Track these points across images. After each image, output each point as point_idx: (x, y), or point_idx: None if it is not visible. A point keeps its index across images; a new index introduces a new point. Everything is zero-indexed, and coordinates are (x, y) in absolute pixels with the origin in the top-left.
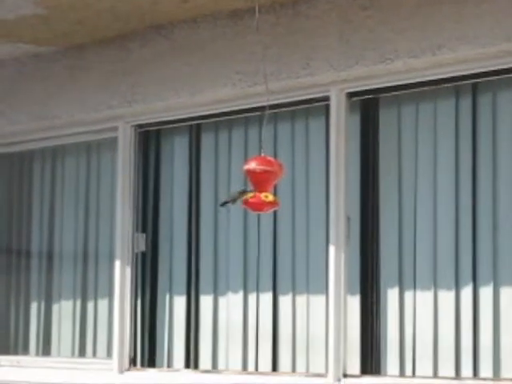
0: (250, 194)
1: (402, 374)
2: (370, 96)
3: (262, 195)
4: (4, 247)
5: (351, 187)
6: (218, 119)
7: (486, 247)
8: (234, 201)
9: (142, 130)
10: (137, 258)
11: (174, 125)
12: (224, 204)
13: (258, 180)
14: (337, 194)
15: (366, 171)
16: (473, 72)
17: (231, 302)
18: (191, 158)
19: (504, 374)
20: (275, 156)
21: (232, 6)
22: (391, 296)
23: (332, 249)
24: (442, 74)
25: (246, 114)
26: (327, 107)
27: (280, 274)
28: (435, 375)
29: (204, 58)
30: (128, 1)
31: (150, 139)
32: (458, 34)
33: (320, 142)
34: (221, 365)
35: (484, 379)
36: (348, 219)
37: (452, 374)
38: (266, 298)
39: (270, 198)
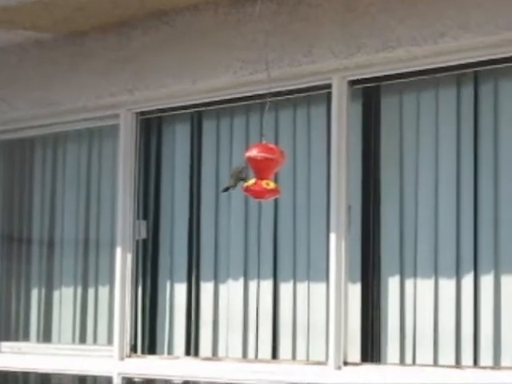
0: (252, 181)
1: (402, 362)
2: (371, 84)
3: (264, 183)
4: (5, 234)
5: (352, 175)
6: (219, 106)
7: (487, 236)
8: (234, 186)
9: (144, 117)
10: (138, 245)
11: (176, 112)
12: (226, 190)
13: (260, 167)
14: (338, 182)
15: (368, 159)
16: (474, 60)
17: (232, 290)
18: (192, 145)
19: (504, 362)
20: (276, 144)
21: None
22: (392, 284)
23: (333, 237)
24: (443, 62)
25: (248, 102)
26: (329, 95)
27: (281, 261)
28: (435, 363)
29: (205, 45)
30: None
31: (151, 126)
32: (460, 22)
33: (321, 129)
34: (221, 352)
35: (484, 368)
36: (349, 208)
37: (452, 362)
38: (267, 285)
39: (272, 185)
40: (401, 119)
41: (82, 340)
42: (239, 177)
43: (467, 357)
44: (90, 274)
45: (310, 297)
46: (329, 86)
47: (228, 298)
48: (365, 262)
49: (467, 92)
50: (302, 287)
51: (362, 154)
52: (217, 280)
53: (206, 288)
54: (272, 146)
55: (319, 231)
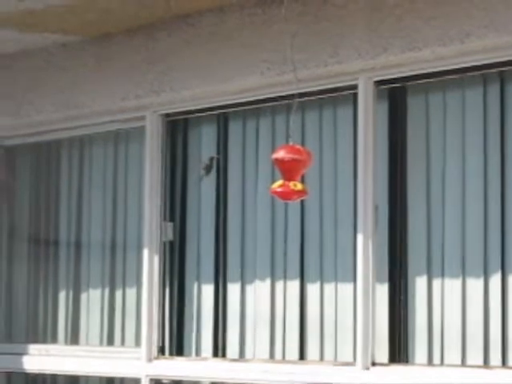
0: (279, 182)
1: (430, 362)
2: (397, 84)
3: (291, 184)
4: (32, 236)
5: (379, 176)
6: (245, 108)
7: None
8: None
9: (170, 118)
10: (165, 247)
11: (202, 113)
12: (202, 177)
13: (287, 169)
14: (365, 183)
15: (394, 160)
16: (501, 60)
17: (259, 291)
18: (219, 146)
19: None
20: (303, 145)
21: None
22: (419, 284)
23: (360, 237)
24: (470, 62)
25: (274, 103)
26: (355, 96)
27: (308, 262)
28: (463, 364)
29: (231, 46)
30: None
31: (177, 128)
32: (487, 21)
33: (348, 130)
34: (248, 353)
35: None
36: (376, 208)
37: (480, 362)
38: (294, 286)
39: (299, 186)
40: (427, 119)
41: (110, 342)
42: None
43: (495, 357)
44: (118, 275)
45: (337, 297)
46: (355, 87)
47: (255, 299)
48: (392, 262)
49: (493, 92)
50: (329, 288)
51: (389, 155)
52: (244, 281)
53: (233, 289)
54: (299, 147)
55: (346, 232)
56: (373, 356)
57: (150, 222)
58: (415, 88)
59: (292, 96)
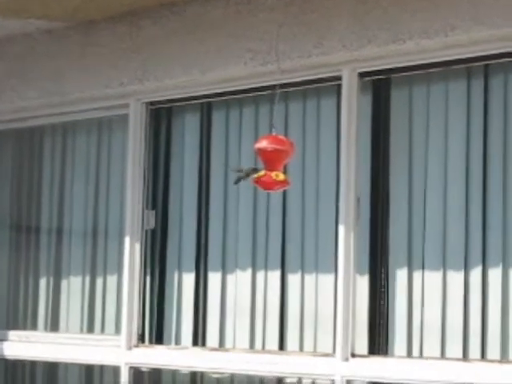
0: (262, 173)
1: (409, 354)
2: (381, 76)
3: (273, 174)
4: (14, 223)
5: (361, 167)
6: (229, 97)
7: (495, 228)
8: (246, 176)
9: (153, 107)
10: (146, 235)
11: (185, 102)
12: (238, 181)
13: (269, 159)
14: (347, 174)
15: (377, 151)
16: (485, 53)
17: (239, 280)
18: (202, 135)
19: None
20: (286, 135)
21: None
22: (400, 276)
23: (341, 229)
24: (454, 55)
25: (258, 93)
26: (339, 87)
27: (289, 252)
28: (443, 356)
29: (216, 35)
30: None
31: (160, 116)
32: (472, 14)
33: (331, 121)
34: (228, 343)
35: (491, 361)
36: (358, 200)
37: (459, 355)
38: (275, 276)
39: (281, 176)
40: (410, 112)
41: (90, 329)
42: (249, 173)
43: (475, 350)
44: (99, 263)
45: (317, 288)
46: (339, 78)
47: (236, 289)
48: (373, 253)
49: (477, 85)
50: (310, 278)
51: (372, 146)
52: (225, 270)
53: (214, 278)
54: (282, 137)
55: (328, 223)
56: (352, 347)
57: (132, 210)
58: (399, 80)
59: (276, 86)
